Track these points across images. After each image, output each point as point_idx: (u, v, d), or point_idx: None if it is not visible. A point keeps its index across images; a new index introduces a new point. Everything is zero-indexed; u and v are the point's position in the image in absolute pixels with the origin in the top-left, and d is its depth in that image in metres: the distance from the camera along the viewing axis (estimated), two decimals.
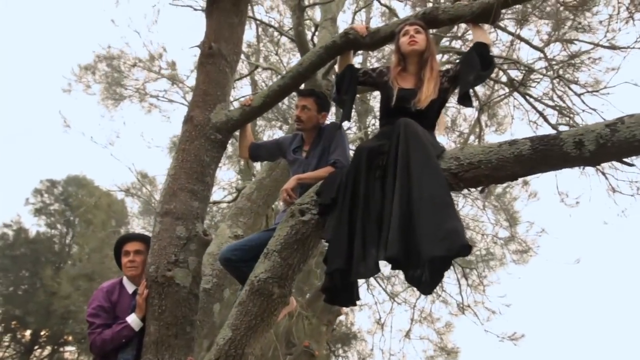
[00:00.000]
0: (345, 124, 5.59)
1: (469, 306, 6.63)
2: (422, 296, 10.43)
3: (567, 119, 5.90)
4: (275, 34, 9.79)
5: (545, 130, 6.32)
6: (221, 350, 2.82)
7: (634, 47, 5.92)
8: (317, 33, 5.71)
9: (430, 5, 6.69)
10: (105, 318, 2.97)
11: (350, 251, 2.42)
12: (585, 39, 5.71)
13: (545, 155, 2.53)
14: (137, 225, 10.88)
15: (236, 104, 6.04)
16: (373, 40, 3.18)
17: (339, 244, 2.46)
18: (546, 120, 5.46)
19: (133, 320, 2.96)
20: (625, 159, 2.62)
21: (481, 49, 2.91)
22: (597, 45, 5.91)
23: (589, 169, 5.95)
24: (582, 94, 4.99)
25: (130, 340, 2.96)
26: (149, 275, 2.99)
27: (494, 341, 7.02)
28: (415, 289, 2.47)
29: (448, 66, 3.37)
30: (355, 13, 6.89)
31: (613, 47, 5.97)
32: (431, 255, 2.21)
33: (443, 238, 2.22)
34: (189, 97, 10.70)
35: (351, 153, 3.20)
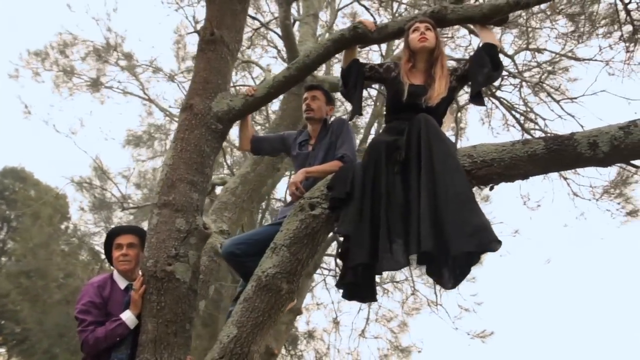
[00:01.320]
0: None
1: (440, 304, 6.78)
2: (379, 295, 10.57)
3: (534, 124, 6.15)
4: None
5: (511, 135, 6.57)
6: (226, 348, 2.71)
7: (595, 60, 6.28)
8: (296, 28, 5.65)
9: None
10: (96, 315, 2.78)
11: (373, 245, 2.39)
12: (556, 48, 5.97)
13: (559, 155, 2.60)
14: (89, 221, 10.34)
15: None
16: (381, 36, 3.17)
17: (361, 238, 2.42)
18: (522, 126, 5.66)
19: (128, 317, 2.78)
20: (632, 162, 2.73)
21: (490, 50, 2.96)
22: (563, 55, 6.19)
23: (552, 174, 6.22)
24: (561, 100, 5.23)
25: (124, 339, 2.78)
26: (146, 269, 2.82)
27: (464, 339, 7.19)
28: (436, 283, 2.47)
29: (454, 64, 3.40)
30: (338, 10, 6.87)
31: (577, 59, 6.29)
32: (461, 250, 2.22)
33: (472, 234, 2.24)
34: (149, 90, 10.34)
35: None
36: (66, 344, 9.52)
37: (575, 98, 5.23)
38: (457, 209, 2.32)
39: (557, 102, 5.16)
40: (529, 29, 6.30)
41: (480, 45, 3.03)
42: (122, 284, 2.92)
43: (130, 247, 2.95)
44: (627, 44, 5.96)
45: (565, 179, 6.12)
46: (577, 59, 6.09)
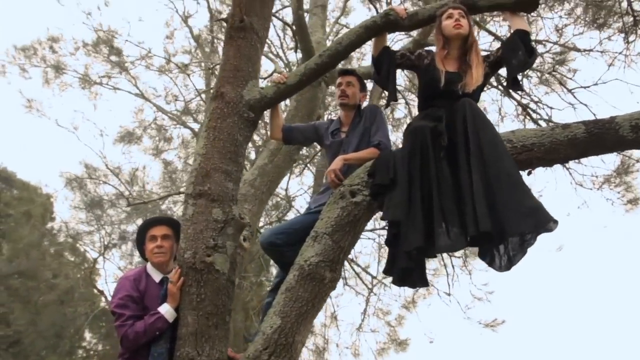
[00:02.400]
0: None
1: (451, 294, 6.84)
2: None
3: (537, 115, 6.22)
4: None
5: (519, 123, 6.62)
6: (269, 339, 2.66)
7: (595, 50, 6.38)
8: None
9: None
10: (135, 309, 2.71)
11: (427, 229, 2.38)
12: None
13: (600, 138, 2.62)
14: (81, 220, 10.09)
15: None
16: (411, 23, 3.15)
17: (414, 222, 2.40)
18: (530, 116, 5.72)
19: (167, 310, 2.71)
20: None
21: (524, 36, 2.96)
22: (564, 46, 6.27)
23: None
24: (574, 89, 5.31)
25: (163, 333, 2.72)
26: (184, 261, 2.76)
27: (476, 329, 7.25)
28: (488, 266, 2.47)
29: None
30: (346, 1, 6.84)
31: (577, 49, 6.38)
32: (519, 231, 2.23)
33: (528, 214, 2.24)
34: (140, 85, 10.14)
35: None
36: (59, 346, 9.30)
37: (588, 87, 5.32)
38: (510, 191, 2.32)
39: (570, 90, 5.24)
40: (531, 19, 6.37)
41: (512, 31, 3.03)
42: (156, 277, 2.85)
43: (165, 238, 2.88)
44: (627, 35, 6.07)
45: (568, 168, 6.21)
46: (577, 50, 6.17)
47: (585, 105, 5.17)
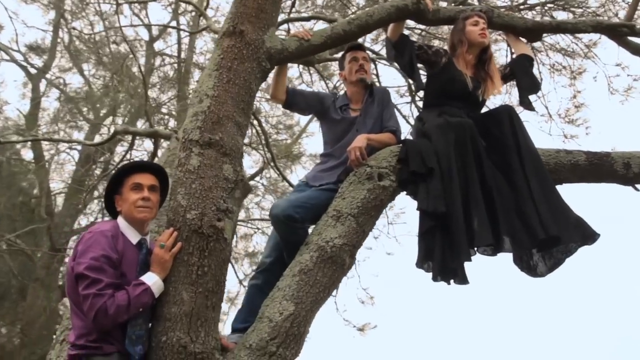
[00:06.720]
0: None
1: (334, 295, 6.70)
2: None
3: None
4: None
5: None
6: (279, 327, 2.25)
7: None
8: None
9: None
10: (112, 275, 2.02)
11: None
12: None
13: (597, 168, 2.88)
14: None
15: None
16: (434, 18, 3.12)
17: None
18: None
19: (155, 282, 2.09)
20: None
21: (532, 62, 3.16)
22: None
23: None
24: None
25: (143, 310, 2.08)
26: (185, 223, 2.18)
27: (351, 332, 7.26)
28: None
29: None
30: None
31: None
32: (570, 241, 2.29)
33: (576, 226, 2.34)
34: None
35: None
36: None
37: None
38: (557, 201, 2.40)
39: None
40: None
41: (519, 54, 3.19)
42: (133, 237, 2.18)
43: (152, 190, 2.22)
44: None
45: None
46: None
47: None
